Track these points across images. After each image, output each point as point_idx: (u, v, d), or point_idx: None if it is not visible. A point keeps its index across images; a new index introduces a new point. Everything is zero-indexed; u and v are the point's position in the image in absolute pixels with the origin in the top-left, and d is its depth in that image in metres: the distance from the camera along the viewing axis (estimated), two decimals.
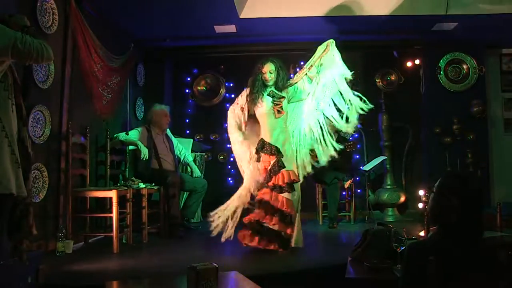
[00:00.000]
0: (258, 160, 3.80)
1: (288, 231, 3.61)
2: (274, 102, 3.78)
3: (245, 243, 3.67)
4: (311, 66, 3.84)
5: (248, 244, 3.66)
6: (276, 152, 3.70)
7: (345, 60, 6.16)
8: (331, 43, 3.83)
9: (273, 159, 3.70)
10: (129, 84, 5.27)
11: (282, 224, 3.59)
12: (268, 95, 3.80)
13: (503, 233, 3.24)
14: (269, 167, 3.70)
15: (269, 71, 3.77)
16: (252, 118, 3.95)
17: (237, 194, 3.82)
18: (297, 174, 3.76)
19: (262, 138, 3.80)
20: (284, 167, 3.67)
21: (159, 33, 5.39)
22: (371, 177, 5.71)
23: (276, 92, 3.81)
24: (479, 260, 1.62)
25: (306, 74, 3.87)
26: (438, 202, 1.71)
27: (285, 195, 3.63)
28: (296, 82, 3.91)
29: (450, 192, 1.68)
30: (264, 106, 3.78)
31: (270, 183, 3.65)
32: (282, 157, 3.70)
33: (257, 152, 3.80)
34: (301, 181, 3.85)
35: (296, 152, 3.94)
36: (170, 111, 5.05)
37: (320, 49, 3.85)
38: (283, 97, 3.83)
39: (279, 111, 3.77)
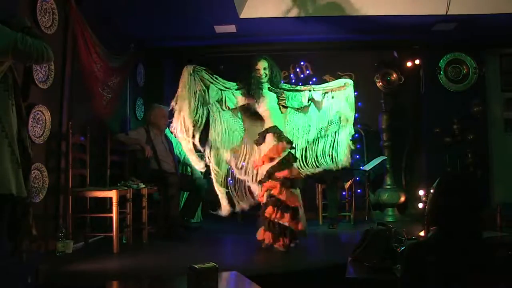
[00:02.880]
0: (259, 143, 3.81)
1: (297, 224, 3.65)
2: (279, 97, 3.86)
3: (264, 243, 3.66)
4: (321, 90, 4.03)
5: (267, 243, 3.65)
6: (291, 143, 3.76)
7: (345, 60, 6.19)
8: (349, 84, 4.03)
9: (287, 148, 3.71)
10: (129, 84, 5.27)
11: (293, 220, 3.62)
12: (269, 91, 3.87)
13: (503, 233, 3.25)
14: (280, 158, 3.67)
15: (263, 68, 3.86)
16: (249, 118, 4.00)
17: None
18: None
19: (275, 125, 3.79)
20: (296, 160, 3.71)
21: (159, 33, 5.39)
22: (371, 177, 5.71)
23: (273, 88, 3.88)
24: (479, 260, 1.62)
25: (310, 91, 4.01)
26: (437, 202, 1.71)
27: (294, 190, 3.67)
28: (297, 91, 4.02)
29: (449, 192, 1.68)
30: (268, 102, 3.83)
31: (280, 175, 3.63)
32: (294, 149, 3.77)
33: (263, 135, 3.80)
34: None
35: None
36: (169, 111, 5.03)
37: (337, 83, 4.09)
38: (283, 92, 3.93)
39: (284, 106, 3.88)
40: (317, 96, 4.00)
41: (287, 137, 3.78)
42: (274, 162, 3.67)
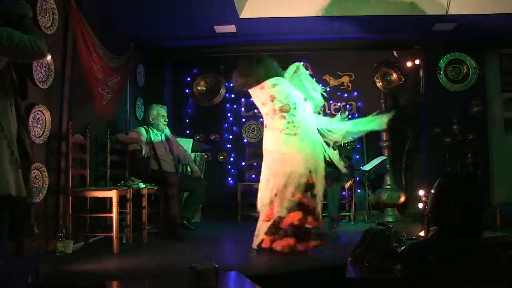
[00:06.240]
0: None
1: (319, 223, 3.69)
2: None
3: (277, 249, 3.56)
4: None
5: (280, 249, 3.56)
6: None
7: (345, 60, 6.14)
8: (300, 66, 3.98)
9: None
10: (129, 84, 5.26)
11: (315, 222, 3.64)
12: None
13: (503, 233, 3.24)
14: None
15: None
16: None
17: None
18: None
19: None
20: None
21: (159, 33, 5.39)
22: (371, 177, 5.71)
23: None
24: (479, 260, 1.62)
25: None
26: (438, 202, 1.71)
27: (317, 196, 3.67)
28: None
29: (450, 192, 1.68)
30: None
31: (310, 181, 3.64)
32: None
33: None
34: None
35: None
36: (170, 111, 5.03)
37: (290, 69, 3.97)
38: None
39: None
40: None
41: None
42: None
